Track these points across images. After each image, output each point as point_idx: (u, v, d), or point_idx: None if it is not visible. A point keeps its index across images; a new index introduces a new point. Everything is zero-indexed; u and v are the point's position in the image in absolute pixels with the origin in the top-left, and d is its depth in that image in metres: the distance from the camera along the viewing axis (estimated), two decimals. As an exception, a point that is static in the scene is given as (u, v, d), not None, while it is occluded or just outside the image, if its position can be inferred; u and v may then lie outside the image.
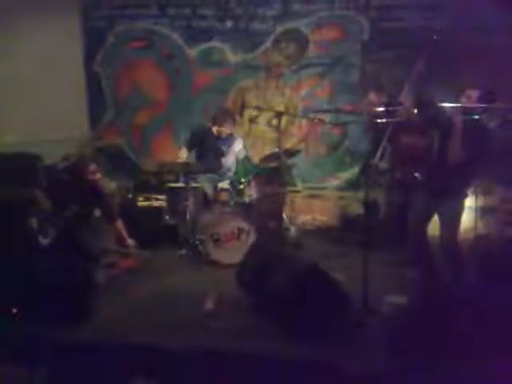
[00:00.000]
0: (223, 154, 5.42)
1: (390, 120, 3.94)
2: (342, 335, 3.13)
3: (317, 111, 6.18)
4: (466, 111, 3.48)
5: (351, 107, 6.15)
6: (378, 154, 3.67)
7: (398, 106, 3.88)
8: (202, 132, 5.52)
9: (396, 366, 2.74)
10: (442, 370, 2.60)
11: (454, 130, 3.42)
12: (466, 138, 3.40)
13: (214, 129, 5.40)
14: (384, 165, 4.69)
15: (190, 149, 5.44)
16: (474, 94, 3.49)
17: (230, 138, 5.47)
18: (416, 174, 4.53)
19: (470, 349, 2.65)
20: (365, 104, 5.34)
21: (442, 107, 3.54)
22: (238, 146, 5.50)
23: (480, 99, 3.47)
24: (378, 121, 4.68)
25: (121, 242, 4.65)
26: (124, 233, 4.63)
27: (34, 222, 4.36)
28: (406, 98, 3.65)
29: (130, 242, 4.61)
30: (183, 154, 5.38)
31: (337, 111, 6.21)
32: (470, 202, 4.06)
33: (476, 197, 4.42)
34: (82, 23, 6.51)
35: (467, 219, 4.23)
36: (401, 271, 4.31)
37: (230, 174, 5.44)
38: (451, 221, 3.65)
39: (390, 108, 4.38)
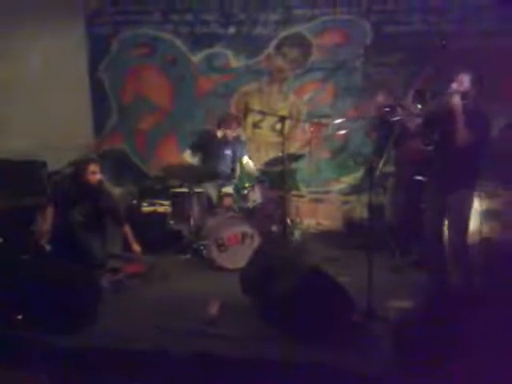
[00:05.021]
0: (227, 159, 5.43)
1: (395, 122, 3.95)
2: (345, 338, 3.12)
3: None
4: (461, 96, 3.51)
5: (355, 111, 6.15)
6: (383, 157, 3.68)
7: (402, 109, 3.90)
8: (206, 136, 5.53)
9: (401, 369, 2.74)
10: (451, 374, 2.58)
11: (455, 114, 3.45)
12: (468, 119, 3.43)
13: (220, 133, 5.41)
14: (388, 168, 4.70)
15: (193, 152, 5.43)
16: (466, 78, 3.52)
17: (235, 142, 5.48)
18: (419, 177, 4.55)
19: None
20: (373, 105, 5.33)
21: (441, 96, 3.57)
22: (243, 151, 5.53)
23: (472, 83, 3.51)
24: (384, 123, 4.70)
25: (128, 246, 4.66)
26: (131, 238, 4.63)
27: (39, 227, 4.38)
28: (409, 102, 3.68)
29: (136, 247, 4.61)
30: (187, 157, 5.38)
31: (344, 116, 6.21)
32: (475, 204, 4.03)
33: (480, 200, 4.41)
34: (86, 30, 6.55)
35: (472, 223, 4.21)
36: (406, 275, 4.32)
37: (234, 178, 5.45)
38: (460, 217, 3.64)
39: (395, 110, 4.40)
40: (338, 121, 5.44)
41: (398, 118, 3.95)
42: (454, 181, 3.58)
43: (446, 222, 3.73)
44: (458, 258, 3.65)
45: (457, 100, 3.45)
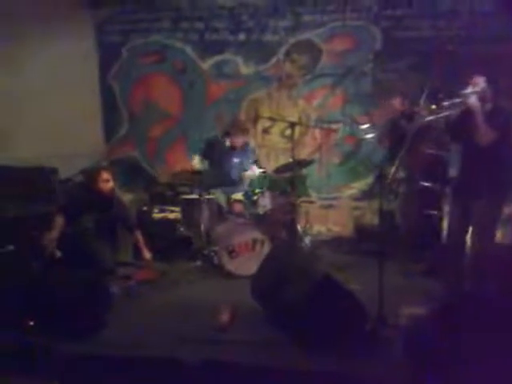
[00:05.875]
0: (236, 166, 5.42)
1: (409, 128, 3.93)
2: (357, 346, 3.09)
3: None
4: (478, 96, 3.51)
5: (366, 117, 6.12)
6: (396, 163, 3.66)
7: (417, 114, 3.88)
8: (216, 143, 5.53)
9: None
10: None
11: (474, 114, 3.45)
12: (488, 116, 3.44)
13: (227, 140, 5.41)
14: (400, 174, 4.67)
15: (203, 158, 5.42)
16: (481, 79, 3.53)
17: (244, 150, 5.47)
18: (430, 184, 4.52)
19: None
20: (387, 110, 5.30)
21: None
22: (252, 159, 5.51)
23: (487, 83, 3.52)
24: (397, 128, 4.68)
25: (139, 253, 4.66)
26: (142, 244, 4.64)
27: (48, 234, 4.39)
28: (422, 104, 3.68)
29: (147, 254, 4.62)
30: (196, 163, 5.38)
31: (354, 121, 6.19)
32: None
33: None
34: (96, 38, 6.61)
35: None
36: (417, 282, 4.28)
37: (244, 185, 5.43)
38: (487, 226, 3.59)
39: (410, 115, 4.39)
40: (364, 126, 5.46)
41: (412, 122, 3.93)
42: (481, 186, 3.53)
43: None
44: (478, 265, 3.60)
45: (474, 100, 3.45)
